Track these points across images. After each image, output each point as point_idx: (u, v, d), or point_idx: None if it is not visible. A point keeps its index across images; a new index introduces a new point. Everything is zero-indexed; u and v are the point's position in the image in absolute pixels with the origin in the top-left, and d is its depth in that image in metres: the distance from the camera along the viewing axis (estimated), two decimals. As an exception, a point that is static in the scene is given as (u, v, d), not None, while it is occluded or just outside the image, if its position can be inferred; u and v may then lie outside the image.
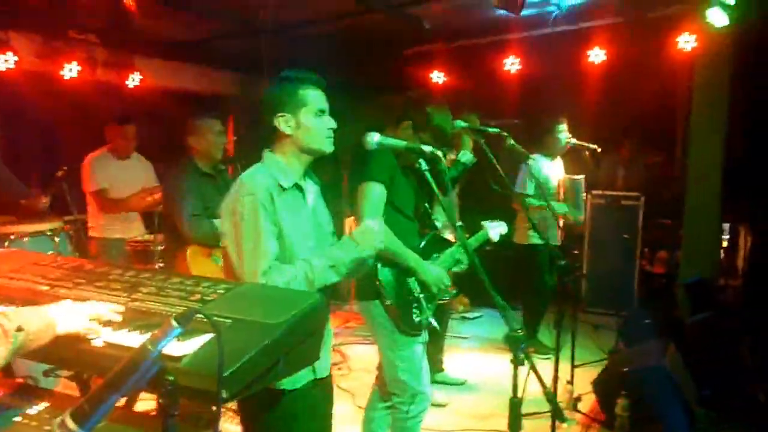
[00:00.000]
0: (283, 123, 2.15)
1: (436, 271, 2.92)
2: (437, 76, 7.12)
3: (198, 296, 1.59)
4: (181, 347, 1.33)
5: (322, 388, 2.22)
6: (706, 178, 6.01)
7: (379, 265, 2.79)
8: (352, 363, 5.11)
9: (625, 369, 3.72)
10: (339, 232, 2.41)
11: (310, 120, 2.16)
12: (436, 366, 4.72)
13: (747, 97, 6.35)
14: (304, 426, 2.13)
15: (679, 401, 3.51)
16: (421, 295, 2.90)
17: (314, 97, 2.18)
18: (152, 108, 6.74)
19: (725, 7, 4.92)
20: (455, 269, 3.06)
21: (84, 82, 6.21)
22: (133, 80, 6.66)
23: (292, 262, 2.06)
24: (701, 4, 5.00)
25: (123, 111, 5.36)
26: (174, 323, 1.19)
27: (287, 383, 1.99)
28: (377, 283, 2.79)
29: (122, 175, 4.78)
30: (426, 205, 3.20)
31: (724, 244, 7.89)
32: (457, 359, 5.11)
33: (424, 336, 2.97)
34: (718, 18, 4.98)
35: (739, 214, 7.28)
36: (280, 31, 6.12)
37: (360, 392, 4.17)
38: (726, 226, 7.69)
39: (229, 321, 1.43)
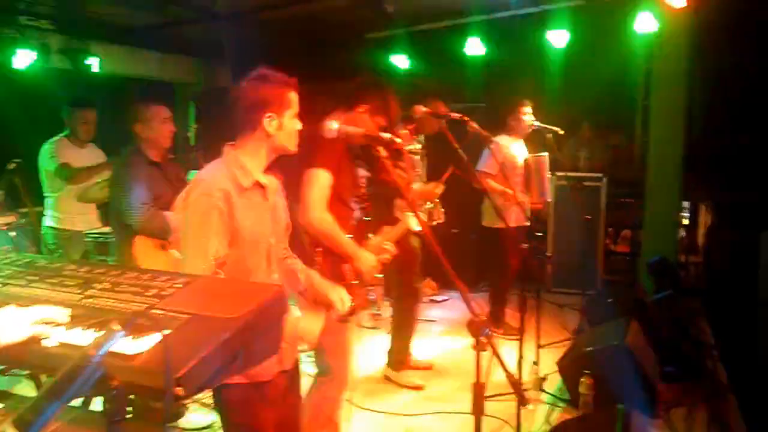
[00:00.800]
0: (269, 123, 2.14)
1: (369, 259, 2.95)
2: (400, 61, 7.08)
3: (155, 291, 1.55)
4: (135, 345, 1.29)
5: (289, 379, 2.23)
6: (667, 158, 6.11)
7: (319, 253, 2.83)
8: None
9: (588, 348, 3.77)
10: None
11: (292, 123, 2.19)
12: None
13: (705, 77, 6.45)
14: (272, 417, 2.15)
15: (641, 378, 3.57)
16: (354, 283, 2.93)
17: (295, 99, 2.20)
18: (110, 96, 6.58)
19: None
20: (381, 257, 3.07)
21: (37, 71, 6.02)
22: (90, 67, 6.48)
23: (253, 261, 2.07)
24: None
25: (80, 98, 5.21)
26: (116, 328, 1.16)
27: (253, 375, 2.00)
28: (315, 267, 2.78)
29: (79, 162, 4.64)
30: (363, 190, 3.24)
31: (685, 222, 8.06)
32: (425, 343, 5.14)
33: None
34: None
35: (699, 192, 7.43)
36: (239, 16, 6.02)
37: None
38: (686, 204, 7.86)
39: (186, 316, 1.40)
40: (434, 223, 4.40)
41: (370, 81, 3.15)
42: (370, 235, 3.18)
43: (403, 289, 4.54)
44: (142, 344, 1.31)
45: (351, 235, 3.02)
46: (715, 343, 4.89)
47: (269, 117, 2.13)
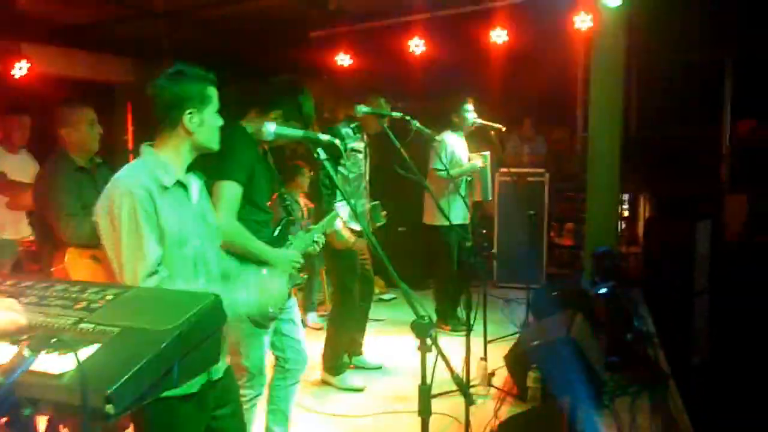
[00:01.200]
0: (189, 120, 2.07)
1: (288, 255, 2.94)
2: (343, 59, 7.05)
3: (83, 304, 1.49)
4: (63, 362, 1.23)
5: (219, 390, 2.15)
6: (606, 152, 6.26)
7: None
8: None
9: (534, 342, 3.82)
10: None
11: (213, 119, 2.13)
12: (355, 349, 4.72)
13: (641, 73, 6.64)
14: (199, 430, 2.07)
15: (586, 370, 3.63)
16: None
17: (215, 95, 2.15)
18: (42, 99, 6.34)
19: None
20: (310, 250, 3.11)
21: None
22: (20, 69, 6.24)
23: (178, 264, 2.00)
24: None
25: (13, 101, 5.01)
26: (26, 353, 1.10)
27: (180, 389, 1.89)
28: None
29: (15, 168, 4.43)
30: (282, 191, 3.27)
31: (626, 213, 8.28)
32: (373, 342, 5.12)
33: (274, 325, 3.05)
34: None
35: (638, 184, 7.65)
36: (178, 15, 5.89)
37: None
38: (626, 196, 8.08)
39: (117, 329, 1.34)
40: (377, 225, 4.40)
41: (283, 85, 3.13)
42: (291, 234, 3.15)
43: (337, 291, 4.46)
44: (71, 361, 1.25)
45: (275, 234, 3.02)
46: (656, 332, 5.03)
47: (190, 113, 2.07)
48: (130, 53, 7.72)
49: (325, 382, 4.44)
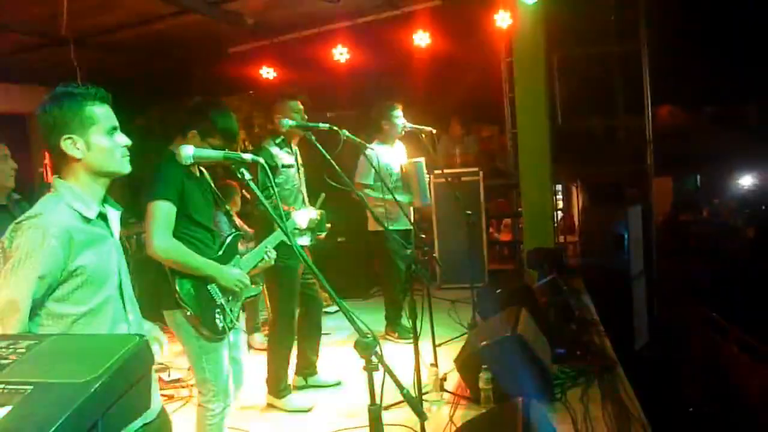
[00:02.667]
0: (71, 146, 1.89)
1: (233, 274, 2.99)
2: (266, 72, 6.94)
3: (-7, 361, 1.35)
4: (-33, 432, 1.11)
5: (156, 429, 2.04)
6: (535, 146, 6.37)
7: (177, 278, 2.82)
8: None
9: (483, 343, 3.80)
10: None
11: (102, 140, 1.93)
12: (310, 370, 4.59)
13: (561, 66, 6.79)
14: None
15: (536, 365, 3.64)
16: (222, 300, 2.97)
17: (103, 113, 1.95)
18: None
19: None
20: (262, 264, 3.20)
21: None
22: None
23: (102, 301, 1.87)
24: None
25: None
26: None
27: None
28: (176, 295, 2.82)
29: None
30: (227, 208, 3.33)
31: (560, 204, 8.45)
32: (321, 356, 5.02)
33: (230, 337, 3.07)
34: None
35: (568, 174, 7.82)
36: (89, 39, 5.66)
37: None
38: (559, 187, 8.24)
39: (30, 387, 1.22)
40: (322, 236, 4.32)
41: (194, 104, 3.14)
42: (240, 249, 3.19)
43: (274, 312, 4.33)
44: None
45: (221, 252, 3.04)
46: (599, 319, 5.11)
47: (69, 139, 1.89)
48: (45, 82, 7.40)
49: (271, 406, 4.30)
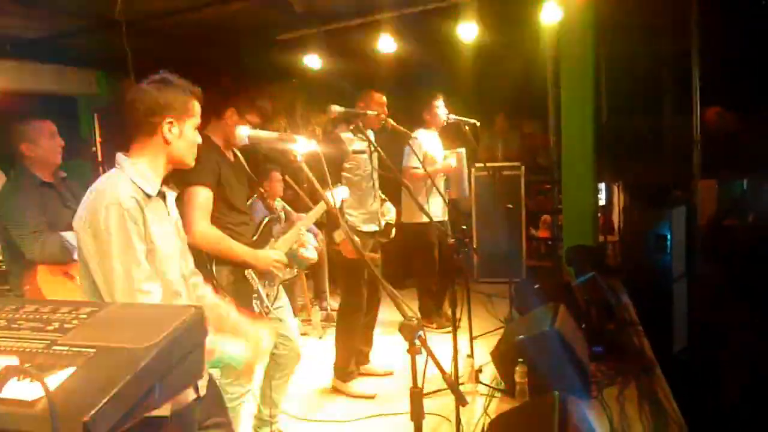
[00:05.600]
0: (167, 128, 2.00)
1: (270, 255, 3.01)
2: (312, 60, 6.97)
3: (56, 325, 1.41)
4: (34, 388, 1.16)
5: (205, 401, 2.08)
6: (579, 143, 6.29)
7: (214, 264, 2.86)
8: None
9: (520, 337, 3.79)
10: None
11: (191, 132, 2.07)
12: (361, 359, 4.60)
13: (609, 63, 6.68)
14: None
15: (573, 361, 3.62)
16: (259, 285, 2.98)
17: (198, 110, 2.09)
18: (4, 114, 6.18)
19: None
20: (308, 248, 3.23)
21: None
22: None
23: (171, 278, 1.92)
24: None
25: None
26: None
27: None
28: (213, 282, 2.83)
29: None
30: (261, 190, 3.41)
31: (602, 202, 8.33)
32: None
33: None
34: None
35: (612, 173, 7.70)
36: (139, 24, 5.76)
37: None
38: (601, 185, 8.12)
39: (93, 350, 1.27)
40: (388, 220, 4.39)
41: (229, 83, 3.23)
42: (274, 235, 3.21)
43: (345, 294, 4.36)
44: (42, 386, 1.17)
45: (255, 237, 3.08)
46: (639, 320, 5.04)
47: (169, 122, 2.00)
48: (95, 64, 7.57)
49: (336, 389, 4.36)
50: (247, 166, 3.25)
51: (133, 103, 2.00)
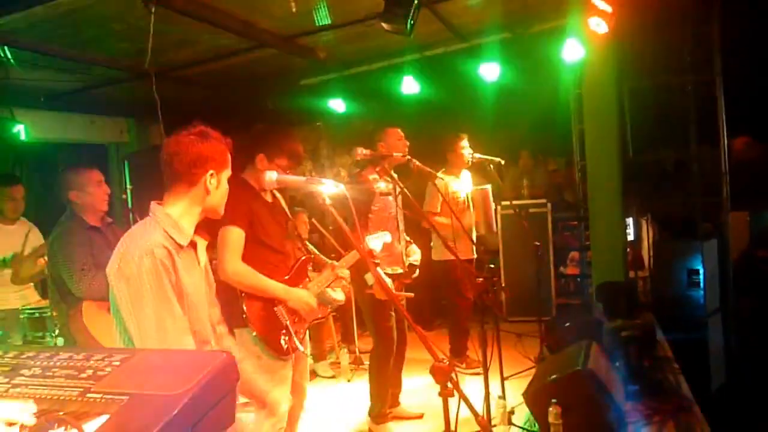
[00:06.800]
0: (209, 179, 2.08)
1: (301, 295, 3.10)
2: (336, 104, 7.08)
3: (90, 372, 1.42)
4: (70, 437, 1.16)
5: None
6: (606, 178, 6.24)
7: (245, 298, 2.96)
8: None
9: (552, 376, 3.71)
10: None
11: (225, 183, 2.16)
12: (391, 401, 4.54)
13: (633, 98, 6.67)
14: None
15: (608, 401, 3.53)
16: (288, 321, 3.06)
17: (230, 161, 2.17)
18: (40, 163, 6.34)
19: (604, 15, 5.11)
20: (335, 290, 3.35)
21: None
22: (18, 135, 6.22)
23: (199, 327, 1.95)
24: (582, 15, 5.18)
25: (7, 170, 5.02)
26: None
27: None
28: (243, 315, 2.95)
29: (10, 240, 4.42)
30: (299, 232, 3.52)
31: (630, 237, 8.22)
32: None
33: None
34: (599, 26, 5.17)
35: (639, 208, 7.62)
36: (167, 73, 5.92)
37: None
38: (629, 220, 8.03)
39: (126, 398, 1.27)
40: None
41: (259, 131, 3.27)
42: (309, 274, 3.30)
43: (376, 337, 4.32)
44: (78, 435, 1.18)
45: (288, 276, 3.16)
46: (674, 357, 4.92)
47: (211, 174, 2.08)
48: (124, 113, 7.77)
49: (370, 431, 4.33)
50: (287, 208, 3.36)
51: (176, 155, 2.06)
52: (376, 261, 3.92)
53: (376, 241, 3.77)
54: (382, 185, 4.23)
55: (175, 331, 1.88)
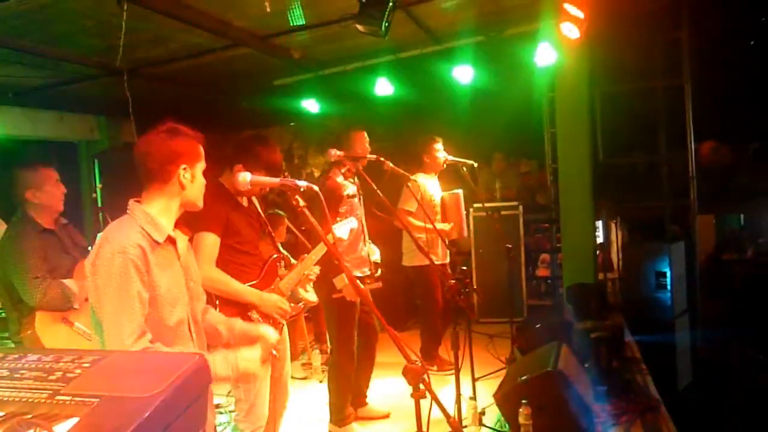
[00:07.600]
0: (182, 174, 2.11)
1: (273, 300, 3.14)
2: (310, 105, 7.07)
3: (59, 374, 1.40)
4: (39, 440, 1.15)
5: None
6: (576, 181, 6.32)
7: (219, 304, 2.97)
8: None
9: (523, 377, 3.76)
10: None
11: (200, 176, 2.18)
12: (359, 401, 4.57)
13: (603, 103, 6.77)
14: None
15: (577, 401, 3.58)
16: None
17: (203, 153, 2.20)
18: (7, 161, 6.21)
19: (576, 20, 5.18)
20: (308, 291, 3.39)
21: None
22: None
23: (170, 324, 1.95)
24: (555, 20, 5.24)
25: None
26: None
27: None
28: None
29: None
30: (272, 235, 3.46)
31: (599, 240, 8.34)
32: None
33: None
34: (571, 31, 5.23)
35: (610, 211, 7.73)
36: (139, 70, 5.85)
37: None
38: (599, 223, 8.14)
39: (96, 400, 1.26)
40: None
41: (242, 141, 3.30)
42: (279, 272, 3.31)
43: (337, 344, 4.29)
44: (48, 438, 1.17)
45: (258, 279, 3.18)
46: (642, 357, 5.00)
47: (184, 169, 2.10)
48: (95, 111, 7.66)
49: None
50: (261, 212, 3.38)
51: (148, 154, 2.09)
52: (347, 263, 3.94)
53: (343, 227, 3.73)
54: (349, 189, 4.25)
55: (131, 333, 1.88)
